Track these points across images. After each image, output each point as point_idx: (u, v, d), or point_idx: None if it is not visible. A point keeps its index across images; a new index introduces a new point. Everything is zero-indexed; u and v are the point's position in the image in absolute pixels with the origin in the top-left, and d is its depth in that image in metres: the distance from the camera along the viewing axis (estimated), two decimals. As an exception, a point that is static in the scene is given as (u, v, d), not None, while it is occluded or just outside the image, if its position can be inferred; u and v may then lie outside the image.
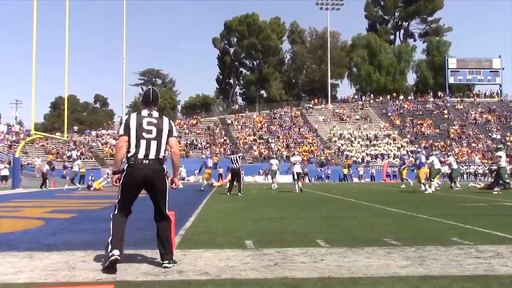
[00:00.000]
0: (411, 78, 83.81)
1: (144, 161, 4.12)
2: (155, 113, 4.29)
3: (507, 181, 17.78)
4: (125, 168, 4.19)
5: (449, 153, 28.32)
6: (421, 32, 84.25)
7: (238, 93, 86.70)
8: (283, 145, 51.50)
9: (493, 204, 11.76)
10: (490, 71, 70.14)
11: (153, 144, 4.17)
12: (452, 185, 21.37)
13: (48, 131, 53.32)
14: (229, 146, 50.08)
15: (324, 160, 48.15)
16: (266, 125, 57.38)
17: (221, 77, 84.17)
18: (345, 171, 44.85)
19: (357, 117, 60.85)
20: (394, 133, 56.49)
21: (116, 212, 4.19)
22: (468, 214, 8.98)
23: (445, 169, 24.23)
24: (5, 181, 27.79)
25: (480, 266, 4.03)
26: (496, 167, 18.57)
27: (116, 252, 3.91)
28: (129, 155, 4.16)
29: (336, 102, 68.94)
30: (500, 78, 70.33)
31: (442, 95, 67.88)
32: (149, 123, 4.21)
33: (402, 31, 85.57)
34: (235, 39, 79.85)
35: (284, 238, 5.75)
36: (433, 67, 76.03)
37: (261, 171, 42.61)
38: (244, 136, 53.49)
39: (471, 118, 61.25)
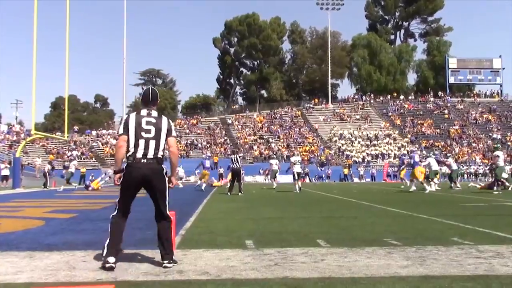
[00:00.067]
0: (411, 78, 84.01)
1: (142, 160, 4.14)
2: (154, 113, 4.31)
3: (503, 180, 17.78)
4: (125, 167, 4.22)
5: (448, 154, 28.32)
6: (421, 32, 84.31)
7: (238, 93, 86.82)
8: (284, 145, 51.50)
9: (493, 204, 11.76)
10: (491, 71, 70.10)
11: (152, 143, 4.18)
12: (452, 185, 21.37)
13: (49, 131, 53.37)
14: (229, 146, 50.09)
15: (324, 160, 48.14)
16: (266, 125, 57.39)
17: (221, 77, 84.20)
18: (346, 171, 44.85)
19: (358, 117, 60.85)
20: (394, 133, 56.47)
21: (115, 213, 4.21)
22: (468, 214, 8.98)
23: (445, 170, 24.22)
24: (6, 181, 27.80)
25: (480, 266, 4.02)
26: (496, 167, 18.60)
27: (111, 259, 3.94)
28: (128, 154, 4.19)
29: (336, 102, 68.92)
30: (501, 78, 70.32)
31: (442, 95, 67.86)
32: (148, 123, 4.22)
33: (402, 31, 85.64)
34: (236, 39, 79.86)
35: (284, 238, 5.75)
36: (434, 67, 76.02)
37: (261, 171, 42.62)
38: (245, 136, 53.49)
39: (471, 118, 61.23)
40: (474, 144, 54.37)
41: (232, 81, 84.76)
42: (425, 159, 21.55)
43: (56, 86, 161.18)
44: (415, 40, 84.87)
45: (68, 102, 33.74)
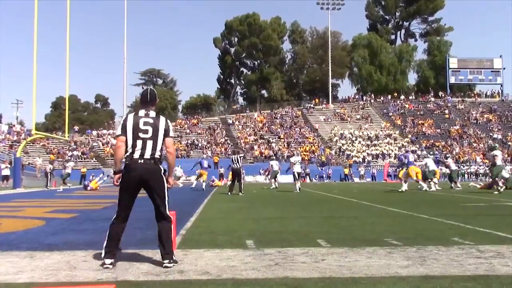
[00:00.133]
0: (412, 78, 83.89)
1: (139, 161, 4.17)
2: (152, 113, 4.33)
3: (497, 179, 17.78)
4: (123, 168, 4.25)
5: (447, 155, 28.29)
6: (422, 32, 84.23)
7: (239, 93, 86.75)
8: (284, 145, 51.50)
9: (494, 204, 11.75)
10: (491, 71, 70.05)
11: (149, 143, 4.20)
12: (453, 185, 21.37)
13: (49, 131, 53.44)
14: (230, 146, 50.08)
15: (325, 160, 48.13)
16: (267, 125, 57.39)
17: (222, 77, 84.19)
18: (346, 171, 44.85)
19: (358, 117, 60.84)
20: (395, 133, 56.45)
21: (115, 215, 4.25)
22: (469, 214, 8.98)
23: (446, 170, 24.20)
24: (6, 181, 27.83)
25: (481, 266, 4.02)
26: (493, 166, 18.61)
27: (107, 261, 4.01)
28: (126, 155, 4.22)
29: (337, 102, 68.89)
30: (501, 78, 70.27)
31: (443, 95, 67.83)
32: (145, 123, 4.25)
33: (403, 31, 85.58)
34: (236, 39, 79.83)
35: (285, 238, 5.75)
36: (434, 67, 75.99)
37: (261, 171, 42.62)
38: (245, 136, 53.50)
39: (472, 118, 61.21)
40: (474, 144, 54.34)
41: (232, 81, 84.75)
42: (422, 159, 21.55)
43: (56, 86, 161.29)
44: (416, 40, 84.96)
45: (69, 102, 33.76)
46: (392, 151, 51.53)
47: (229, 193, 17.10)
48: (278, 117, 59.74)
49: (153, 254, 4.50)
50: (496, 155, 17.64)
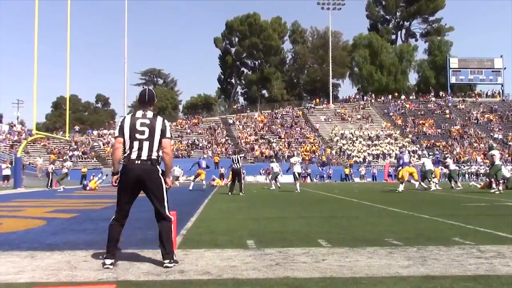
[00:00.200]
0: (412, 78, 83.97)
1: (136, 162, 4.19)
2: (150, 114, 4.33)
3: (492, 180, 17.81)
4: (121, 168, 4.28)
5: (446, 155, 28.32)
6: (422, 32, 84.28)
7: (239, 93, 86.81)
8: (285, 145, 51.51)
9: (494, 204, 11.74)
10: (492, 71, 70.03)
11: (146, 144, 4.21)
12: (453, 185, 21.38)
13: (50, 130, 53.47)
14: (230, 146, 50.10)
15: (325, 160, 48.13)
16: (267, 125, 57.41)
17: (222, 77, 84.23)
18: (347, 171, 44.85)
19: (359, 117, 60.84)
20: (395, 133, 56.44)
21: (114, 216, 4.28)
22: (469, 214, 8.97)
23: (445, 170, 24.20)
24: (7, 180, 27.85)
25: (481, 266, 4.02)
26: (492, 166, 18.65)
27: (108, 261, 4.03)
28: (124, 156, 4.25)
29: (337, 102, 68.90)
30: (502, 78, 70.26)
31: (443, 95, 67.81)
32: (142, 124, 4.25)
33: (403, 31, 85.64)
34: (237, 39, 79.87)
35: (285, 238, 5.75)
36: (435, 67, 75.98)
37: (262, 171, 42.61)
38: (246, 136, 53.51)
39: (472, 118, 61.18)
40: (475, 144, 54.32)
41: (233, 81, 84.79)
42: (419, 159, 21.61)
43: (57, 86, 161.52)
44: (416, 40, 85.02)
45: (70, 102, 33.78)
46: (393, 151, 51.51)
47: (230, 193, 17.12)
48: (279, 117, 59.75)
49: (153, 254, 4.51)
50: (494, 155, 17.69)
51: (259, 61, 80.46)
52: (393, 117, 61.16)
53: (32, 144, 41.76)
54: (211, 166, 32.21)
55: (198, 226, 7.03)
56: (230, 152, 42.77)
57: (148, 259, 4.35)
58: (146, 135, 4.22)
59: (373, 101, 65.93)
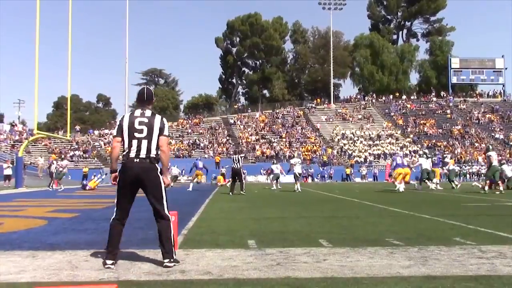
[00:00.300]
0: (414, 78, 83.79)
1: (135, 160, 4.21)
2: (148, 112, 4.34)
3: (488, 181, 17.82)
4: (120, 167, 4.30)
5: (445, 155, 28.27)
6: (424, 32, 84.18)
7: (240, 93, 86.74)
8: (286, 145, 51.50)
9: (495, 204, 11.74)
10: (493, 71, 69.97)
11: (144, 143, 4.23)
12: (453, 185, 21.43)
13: (51, 130, 53.47)
14: (231, 145, 50.11)
15: (326, 160, 48.12)
16: (268, 124, 57.42)
17: (223, 76, 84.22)
18: (348, 170, 44.83)
19: (360, 116, 60.81)
20: (396, 133, 56.41)
21: (114, 215, 4.28)
22: (470, 214, 8.97)
23: (445, 170, 24.20)
24: (8, 180, 27.84)
25: (482, 266, 4.02)
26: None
27: (109, 261, 4.04)
28: (123, 154, 4.28)
29: (338, 101, 68.90)
30: (503, 78, 70.19)
31: (445, 95, 67.76)
32: (140, 123, 4.27)
33: (405, 31, 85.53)
34: (238, 39, 79.87)
35: (286, 237, 5.75)
36: (436, 67, 75.92)
37: (262, 171, 42.60)
38: (247, 136, 53.52)
39: (474, 118, 61.13)
40: (476, 144, 54.26)
41: (234, 81, 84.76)
42: (417, 159, 21.68)
43: (58, 85, 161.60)
44: (418, 40, 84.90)
45: (71, 101, 33.80)
46: (394, 151, 51.46)
47: (231, 193, 17.13)
48: (280, 117, 59.74)
49: (154, 254, 4.51)
50: (491, 156, 17.75)
51: (260, 61, 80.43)
52: (394, 117, 61.12)
53: (33, 143, 41.80)
54: (212, 166, 32.22)
55: (199, 226, 7.03)
56: (231, 152, 42.79)
57: (149, 259, 4.35)
58: (145, 133, 4.23)
59: (374, 101, 65.90)
